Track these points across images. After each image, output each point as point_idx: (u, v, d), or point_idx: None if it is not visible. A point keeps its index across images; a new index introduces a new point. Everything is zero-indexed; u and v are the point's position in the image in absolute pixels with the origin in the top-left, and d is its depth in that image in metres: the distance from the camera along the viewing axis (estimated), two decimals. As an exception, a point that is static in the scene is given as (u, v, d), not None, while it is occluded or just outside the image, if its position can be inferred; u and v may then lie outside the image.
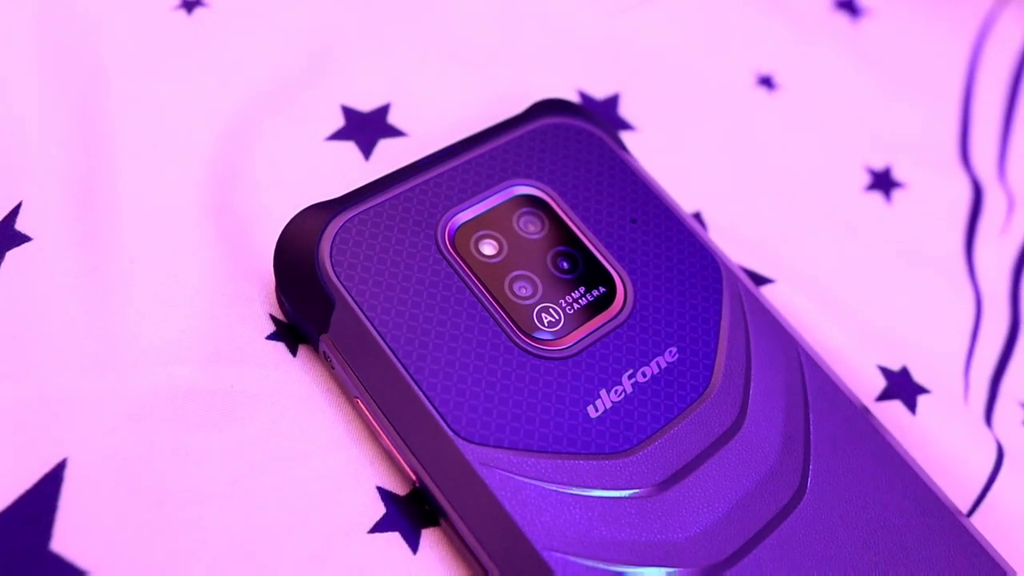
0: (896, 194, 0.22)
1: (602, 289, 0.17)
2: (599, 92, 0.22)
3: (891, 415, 0.19)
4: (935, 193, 0.23)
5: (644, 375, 0.17)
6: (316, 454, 0.16)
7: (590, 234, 0.18)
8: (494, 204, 0.18)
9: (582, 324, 0.17)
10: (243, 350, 0.17)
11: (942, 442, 0.19)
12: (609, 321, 0.17)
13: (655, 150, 0.21)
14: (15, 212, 0.17)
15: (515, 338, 0.16)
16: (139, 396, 0.16)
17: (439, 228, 0.17)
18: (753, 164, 0.22)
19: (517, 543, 0.15)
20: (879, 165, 0.23)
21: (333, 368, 0.16)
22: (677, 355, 0.17)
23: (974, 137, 0.24)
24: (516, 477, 0.15)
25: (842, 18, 0.26)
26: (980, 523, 0.18)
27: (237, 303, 0.17)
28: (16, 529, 0.14)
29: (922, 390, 0.19)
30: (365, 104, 0.20)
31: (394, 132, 0.20)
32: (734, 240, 0.20)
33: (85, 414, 0.15)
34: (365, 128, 0.20)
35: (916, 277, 0.21)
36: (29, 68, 0.18)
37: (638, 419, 0.16)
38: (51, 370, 0.15)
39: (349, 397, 0.16)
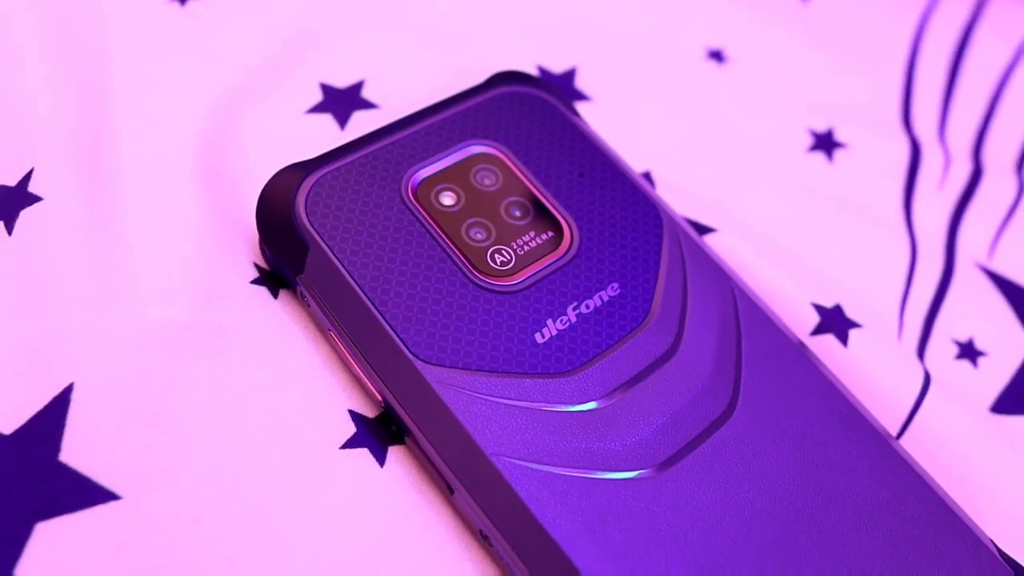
0: (838, 154, 0.24)
1: (550, 233, 0.19)
2: (557, 67, 0.24)
3: (823, 347, 0.20)
4: (876, 153, 0.24)
5: (587, 307, 0.18)
6: (294, 382, 0.18)
7: (540, 186, 0.20)
8: (453, 161, 0.20)
9: (531, 263, 0.19)
10: (230, 293, 0.19)
11: (871, 371, 0.20)
12: (556, 261, 0.19)
13: (609, 118, 0.23)
14: (28, 177, 0.19)
15: (470, 275, 0.18)
16: (137, 331, 0.18)
17: (403, 182, 0.19)
18: (702, 130, 0.24)
19: (469, 450, 0.16)
20: (822, 128, 0.24)
21: (309, 306, 0.18)
22: (619, 290, 0.19)
23: (916, 104, 0.26)
24: (469, 393, 0.17)
25: (798, 8, 0.27)
26: (906, 445, 0.20)
27: (225, 253, 0.19)
28: (29, 443, 0.16)
29: (854, 324, 0.21)
30: (341, 81, 0.22)
31: (367, 105, 0.22)
32: (680, 195, 0.22)
33: (90, 346, 0.17)
34: (341, 102, 0.22)
35: (855, 228, 0.23)
36: (39, 52, 0.21)
37: (581, 344, 0.18)
38: (60, 309, 0.18)
39: (323, 331, 0.18)
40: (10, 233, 0.18)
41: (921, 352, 0.21)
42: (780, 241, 0.22)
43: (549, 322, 0.18)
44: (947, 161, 0.25)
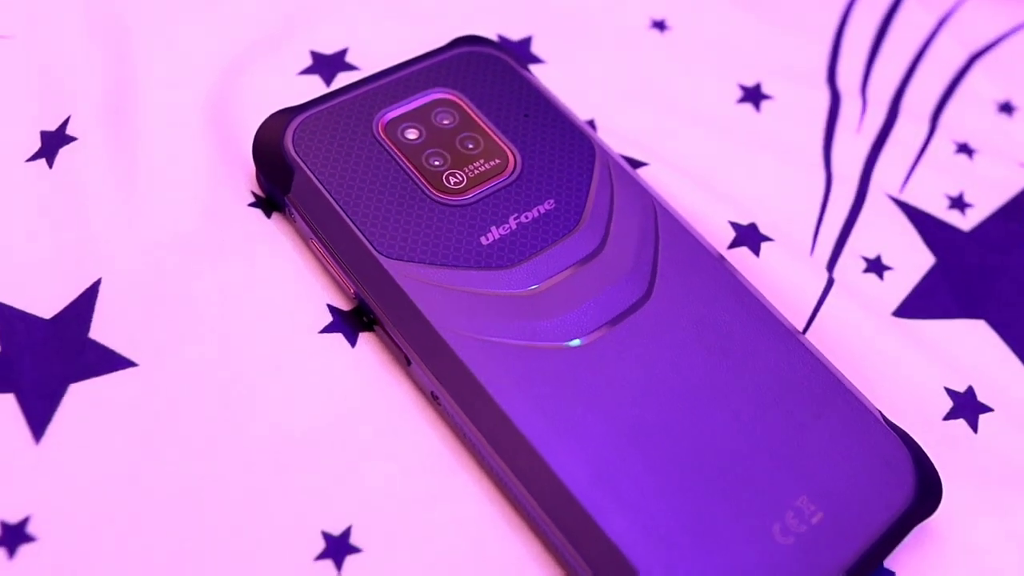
0: (765, 104, 0.27)
1: (497, 161, 0.23)
2: (515, 35, 0.27)
3: (738, 258, 0.24)
4: (799, 103, 0.28)
5: (526, 217, 0.22)
6: (281, 282, 0.21)
7: (489, 123, 0.23)
8: (417, 104, 0.23)
9: (479, 184, 0.22)
10: (231, 214, 0.22)
11: (780, 276, 0.23)
12: (500, 182, 0.22)
13: (560, 77, 0.27)
14: (65, 122, 0.23)
15: (427, 192, 0.22)
16: (153, 239, 0.21)
17: (375, 120, 0.23)
18: (642, 87, 0.27)
19: (423, 327, 0.20)
20: (751, 83, 0.28)
21: (295, 221, 0.22)
22: (554, 204, 0.22)
23: (841, 63, 0.29)
24: (423, 282, 0.20)
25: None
26: (810, 337, 0.23)
27: (227, 183, 0.23)
28: (64, 325, 0.20)
29: (767, 239, 0.24)
30: (328, 48, 0.26)
31: (350, 67, 0.26)
32: (619, 138, 0.26)
33: (115, 250, 0.21)
34: (327, 65, 0.26)
35: (776, 164, 0.26)
36: (75, 22, 0.25)
37: (519, 245, 0.21)
38: (91, 223, 0.21)
39: (306, 240, 0.22)
40: (51, 167, 0.22)
41: (831, 266, 0.24)
42: (705, 174, 0.25)
43: (493, 228, 0.22)
44: (864, 109, 0.28)
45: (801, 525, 0.19)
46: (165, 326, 0.20)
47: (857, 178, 0.26)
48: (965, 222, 0.26)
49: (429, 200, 0.22)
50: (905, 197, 0.26)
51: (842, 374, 0.21)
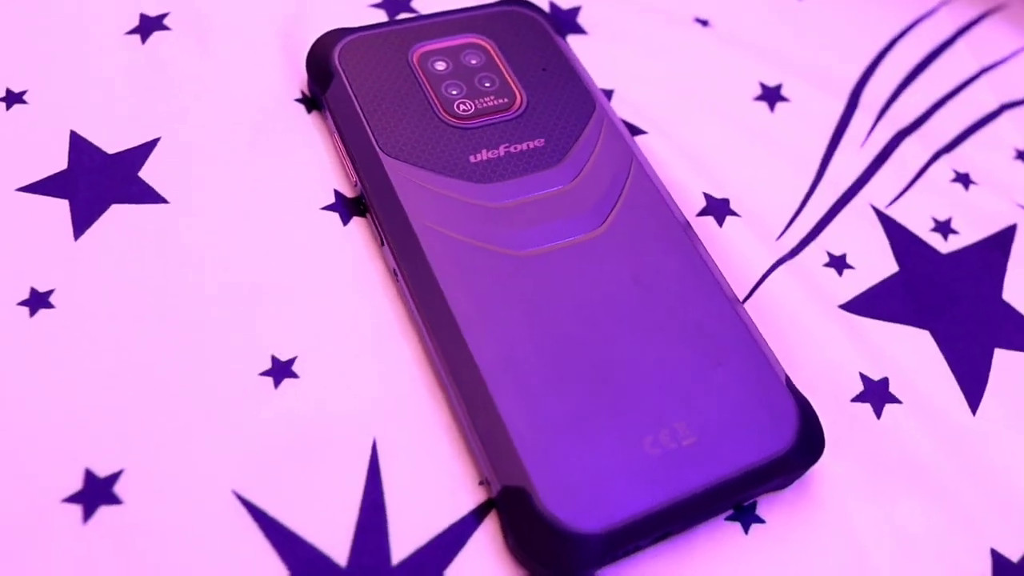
0: (780, 105, 0.29)
1: (505, 100, 0.26)
2: (565, 4, 0.31)
3: (700, 224, 0.26)
4: (813, 109, 0.30)
5: (515, 148, 0.25)
6: (303, 165, 0.25)
7: (510, 69, 0.27)
8: (452, 44, 0.27)
9: (485, 115, 0.25)
10: (279, 105, 0.26)
11: (735, 247, 0.25)
12: (503, 117, 0.26)
13: (594, 48, 0.30)
14: (165, 15, 0.28)
15: (437, 113, 0.25)
16: (212, 115, 0.26)
17: (412, 50, 0.27)
18: (669, 71, 0.30)
19: (398, 214, 0.23)
20: (773, 83, 0.30)
21: (327, 119, 0.26)
22: (543, 143, 0.25)
23: (871, 83, 0.31)
24: (410, 179, 0.24)
25: (791, -5, 0.33)
26: (749, 307, 0.25)
27: (283, 81, 0.27)
28: (121, 161, 0.24)
29: (734, 214, 0.26)
30: (399, -11, 0.30)
31: (411, 10, 0.30)
32: (629, 107, 0.28)
33: (179, 117, 0.25)
34: (394, 3, 0.30)
35: (770, 158, 0.28)
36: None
37: (502, 168, 0.24)
38: (165, 92, 0.26)
39: (331, 135, 0.26)
40: (143, 43, 0.27)
41: (793, 253, 0.26)
42: (697, 152, 0.28)
43: (484, 151, 0.25)
44: (874, 127, 0.29)
45: (672, 443, 0.21)
46: (200, 180, 0.25)
47: (847, 186, 0.28)
48: (944, 246, 0.27)
49: (437, 119, 0.25)
50: (890, 212, 0.28)
51: (761, 337, 0.23)
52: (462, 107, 0.26)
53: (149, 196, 0.24)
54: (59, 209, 0.23)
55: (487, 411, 0.21)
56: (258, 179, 0.25)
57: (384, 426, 0.21)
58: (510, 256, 0.23)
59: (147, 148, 0.25)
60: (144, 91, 0.26)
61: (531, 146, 0.25)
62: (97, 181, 0.24)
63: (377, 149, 0.24)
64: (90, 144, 0.25)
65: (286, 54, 0.28)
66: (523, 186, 0.24)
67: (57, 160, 0.24)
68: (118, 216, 0.24)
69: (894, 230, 0.27)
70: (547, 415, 0.21)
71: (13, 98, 0.25)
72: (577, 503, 0.20)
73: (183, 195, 0.24)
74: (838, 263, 0.26)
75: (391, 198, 0.24)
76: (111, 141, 0.25)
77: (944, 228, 0.28)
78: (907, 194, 0.28)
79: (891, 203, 0.28)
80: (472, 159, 0.25)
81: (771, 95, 0.30)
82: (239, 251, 0.23)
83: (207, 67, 0.27)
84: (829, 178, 0.28)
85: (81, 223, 0.23)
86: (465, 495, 0.21)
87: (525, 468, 0.20)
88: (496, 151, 0.25)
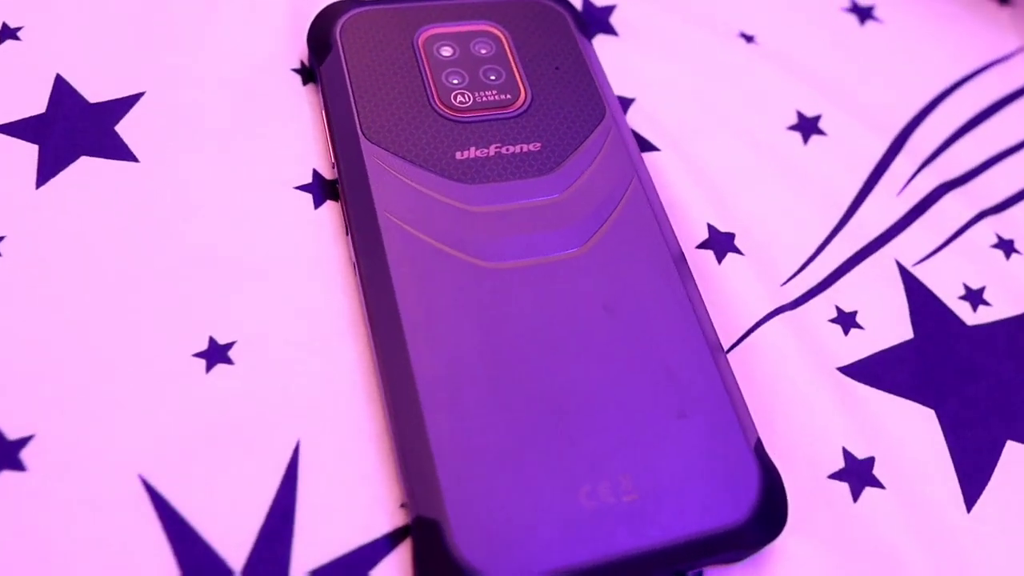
0: (814, 138, 0.27)
1: (508, 96, 0.24)
2: (600, 1, 0.29)
3: (697, 259, 0.24)
4: (851, 147, 0.27)
5: (508, 150, 0.23)
6: (285, 139, 0.24)
7: (519, 64, 0.25)
8: (462, 29, 0.25)
9: (482, 110, 0.24)
10: (274, 73, 0.25)
11: (729, 286, 0.23)
12: (501, 114, 0.24)
13: (622, 52, 0.28)
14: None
15: (431, 101, 0.24)
16: (206, 79, 0.25)
17: (419, 31, 0.25)
18: (699, 85, 0.28)
19: (366, 203, 0.22)
20: (811, 114, 0.27)
21: (319, 91, 0.25)
22: (539, 147, 0.23)
23: (922, 128, 0.28)
24: (386, 168, 0.22)
25: (850, 18, 0.30)
26: (735, 356, 0.23)
27: (283, 49, 0.26)
28: (100, 112, 0.24)
29: (737, 251, 0.24)
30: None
31: (437, -14, 0.28)
32: (647, 120, 0.26)
33: (174, 75, 0.24)
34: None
35: (792, 195, 0.26)
36: None
37: (488, 169, 0.23)
38: (158, 50, 0.25)
39: (321, 110, 0.24)
40: (154, -11, 0.26)
41: (797, 304, 0.24)
42: (711, 177, 0.25)
43: (472, 148, 0.23)
44: (914, 176, 0.27)
45: (610, 497, 0.19)
46: (175, 141, 0.23)
47: (873, 236, 0.25)
48: (971, 317, 0.25)
49: (429, 107, 0.24)
50: (917, 271, 0.25)
51: (738, 391, 0.21)
52: (459, 98, 0.24)
53: (121, 152, 0.23)
54: (28, 154, 0.23)
55: (415, 429, 0.19)
56: (236, 148, 0.24)
57: (312, 429, 0.20)
58: (476, 266, 0.21)
59: (129, 102, 0.24)
60: (142, 42, 0.25)
61: (525, 149, 0.23)
62: (72, 130, 0.23)
63: (359, 131, 0.23)
64: (73, 90, 0.24)
65: (294, 20, 0.26)
66: (507, 192, 0.23)
67: (37, 103, 0.24)
68: (85, 169, 0.23)
69: (917, 292, 0.25)
70: (479, 444, 0.19)
71: (7, 33, 0.25)
72: (492, 547, 0.18)
73: (155, 155, 0.23)
74: (846, 320, 0.24)
75: (362, 185, 0.22)
76: (95, 90, 0.24)
77: (975, 297, 0.25)
78: (940, 254, 0.26)
79: (920, 261, 0.25)
80: (459, 155, 0.23)
81: (807, 126, 0.27)
82: (200, 222, 0.22)
83: (211, 25, 0.26)
84: (855, 224, 0.26)
85: (46, 172, 0.22)
86: (383, 516, 0.19)
87: (443, 499, 0.18)
88: (486, 150, 0.23)
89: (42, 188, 0.22)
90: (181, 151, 0.23)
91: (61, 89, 0.24)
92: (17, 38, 0.25)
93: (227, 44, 0.25)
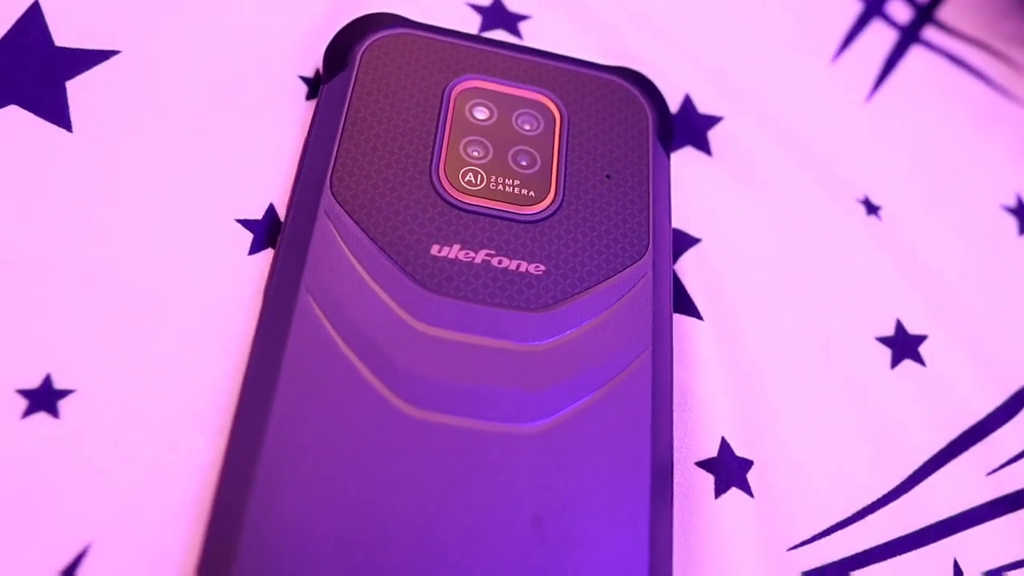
0: (905, 364, 0.21)
1: (532, 193, 0.19)
2: (705, 107, 0.23)
3: (694, 483, 0.18)
4: (951, 393, 0.21)
5: (501, 262, 0.18)
6: (255, 155, 0.19)
7: (563, 156, 0.19)
8: (511, 92, 0.20)
9: (491, 199, 0.19)
10: (276, 75, 0.21)
11: (718, 533, 0.17)
12: (512, 213, 0.18)
13: (708, 177, 0.22)
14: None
15: (433, 170, 0.19)
16: (198, 60, 0.20)
17: (457, 78, 0.20)
18: (795, 246, 0.22)
19: (294, 273, 0.17)
20: (916, 331, 0.21)
21: (312, 113, 0.20)
22: (543, 272, 0.18)
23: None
24: (338, 240, 0.17)
25: (1011, 221, 0.24)
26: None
27: (299, 53, 0.21)
28: (55, 64, 0.19)
29: (745, 488, 0.18)
30: (513, 5, 0.23)
31: (512, 30, 0.23)
32: (702, 274, 0.20)
33: (162, 44, 0.20)
34: (494, 15, 0.23)
35: (850, 432, 0.20)
36: None
37: (464, 282, 0.17)
38: (173, 17, 0.21)
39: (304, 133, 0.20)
40: None
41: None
42: (753, 372, 0.19)
43: (456, 247, 0.18)
44: (1016, 459, 0.20)
45: None
46: (124, 120, 0.19)
47: (934, 520, 0.19)
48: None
49: (427, 177, 0.18)
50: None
51: None
52: (470, 176, 0.19)
53: (57, 114, 0.19)
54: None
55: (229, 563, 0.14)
56: (193, 150, 0.19)
57: (110, 539, 0.15)
58: (391, 405, 0.16)
59: (97, 56, 0.20)
60: (157, 23, 0.21)
61: (524, 269, 0.18)
62: (17, 67, 0.19)
63: (328, 178, 0.18)
64: (44, 24, 0.20)
65: (329, 20, 0.22)
66: (477, 319, 0.17)
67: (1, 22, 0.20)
68: (8, 119, 0.19)
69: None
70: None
71: (2, -63, 0.21)
72: None
73: (94, 130, 0.19)
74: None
75: (300, 247, 0.17)
76: (67, 32, 0.20)
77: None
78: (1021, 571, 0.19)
79: (993, 574, 0.19)
80: (435, 250, 0.18)
81: (903, 344, 0.21)
82: (109, 231, 0.18)
83: (230, 19, 0.21)
84: (915, 496, 0.19)
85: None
86: None
87: None
88: (473, 253, 0.18)
89: None
90: (127, 134, 0.19)
91: (30, 19, 0.20)
92: (11, -54, 0.21)
93: (239, 24, 0.21)
